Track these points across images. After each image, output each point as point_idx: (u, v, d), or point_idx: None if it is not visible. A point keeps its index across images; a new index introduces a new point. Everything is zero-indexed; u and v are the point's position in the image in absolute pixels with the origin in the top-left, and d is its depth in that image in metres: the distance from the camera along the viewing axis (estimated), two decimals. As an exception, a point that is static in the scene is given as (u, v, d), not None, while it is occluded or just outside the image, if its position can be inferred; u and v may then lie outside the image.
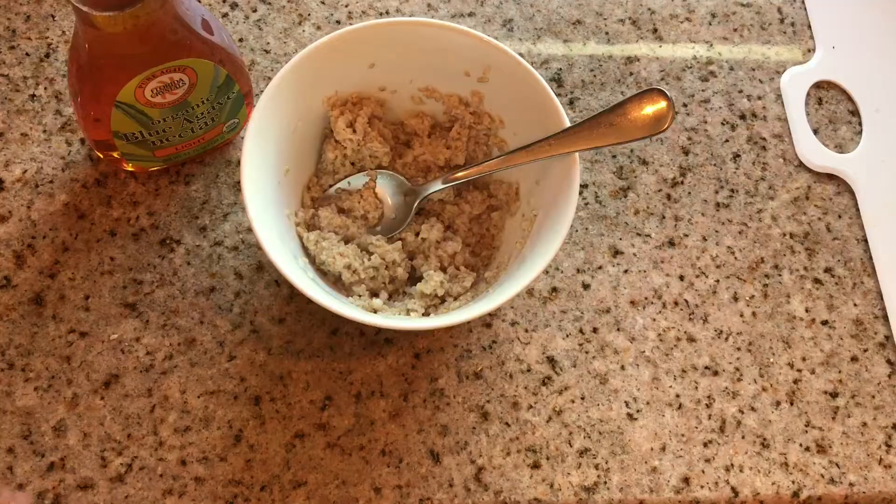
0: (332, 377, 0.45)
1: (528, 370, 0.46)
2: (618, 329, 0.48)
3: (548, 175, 0.44)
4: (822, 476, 0.45)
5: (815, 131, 0.55)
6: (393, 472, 0.43)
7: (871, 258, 0.51)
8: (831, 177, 0.54)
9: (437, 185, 0.46)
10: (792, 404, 0.47)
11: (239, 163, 0.48)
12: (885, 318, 0.50)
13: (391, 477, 0.43)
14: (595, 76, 0.55)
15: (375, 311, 0.43)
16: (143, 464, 0.42)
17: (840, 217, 0.53)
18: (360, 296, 0.44)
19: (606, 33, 0.57)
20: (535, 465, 0.44)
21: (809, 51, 0.58)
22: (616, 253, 0.50)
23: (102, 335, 0.45)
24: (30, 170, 0.48)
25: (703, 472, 0.45)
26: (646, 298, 0.49)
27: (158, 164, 0.47)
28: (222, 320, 0.46)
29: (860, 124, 0.56)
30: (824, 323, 0.49)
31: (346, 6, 0.55)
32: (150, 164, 0.47)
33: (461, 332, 0.47)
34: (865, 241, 0.52)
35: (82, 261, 0.46)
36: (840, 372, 0.48)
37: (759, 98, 0.56)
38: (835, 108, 0.56)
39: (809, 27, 0.59)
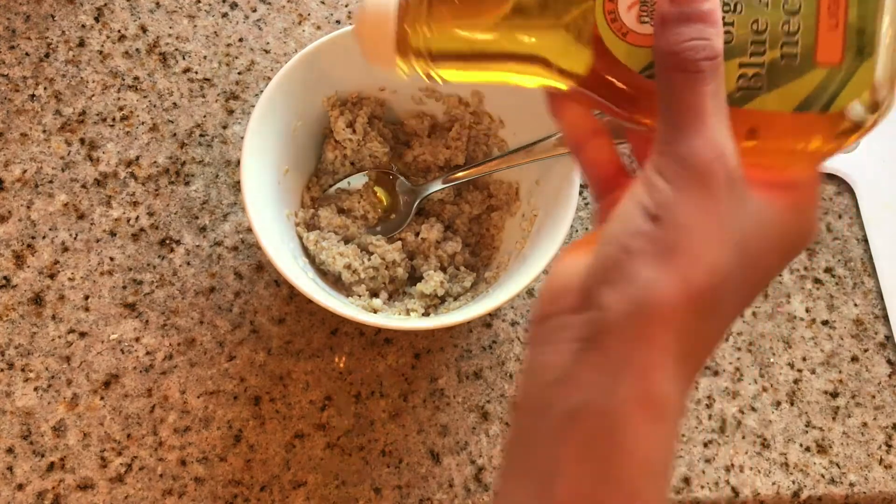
0: (331, 377, 0.45)
1: (528, 370, 0.46)
2: (618, 329, 0.48)
3: (548, 175, 0.44)
4: (823, 476, 0.45)
5: (816, 131, 0.55)
6: (393, 472, 0.43)
7: (871, 258, 0.51)
8: (831, 177, 0.54)
9: (437, 185, 0.46)
10: (792, 404, 0.47)
11: (239, 163, 0.48)
12: (886, 318, 0.50)
13: (391, 477, 0.43)
14: (595, 76, 0.55)
15: (375, 311, 0.43)
16: (142, 464, 0.42)
17: (840, 217, 0.52)
18: (360, 296, 0.44)
19: (606, 33, 0.57)
20: (535, 466, 0.44)
21: (809, 51, 0.58)
22: (616, 253, 0.50)
23: (102, 335, 0.45)
24: (30, 170, 0.48)
25: (703, 472, 0.45)
26: (646, 298, 0.49)
27: None
28: (222, 320, 0.46)
29: (860, 124, 0.56)
30: (824, 323, 0.49)
31: (346, 6, 0.55)
32: None
33: (461, 332, 0.47)
34: (865, 240, 0.52)
35: (82, 261, 0.46)
36: (840, 372, 0.48)
37: (760, 98, 0.56)
38: (835, 107, 0.56)
39: (809, 27, 0.59)
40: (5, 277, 0.46)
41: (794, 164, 0.25)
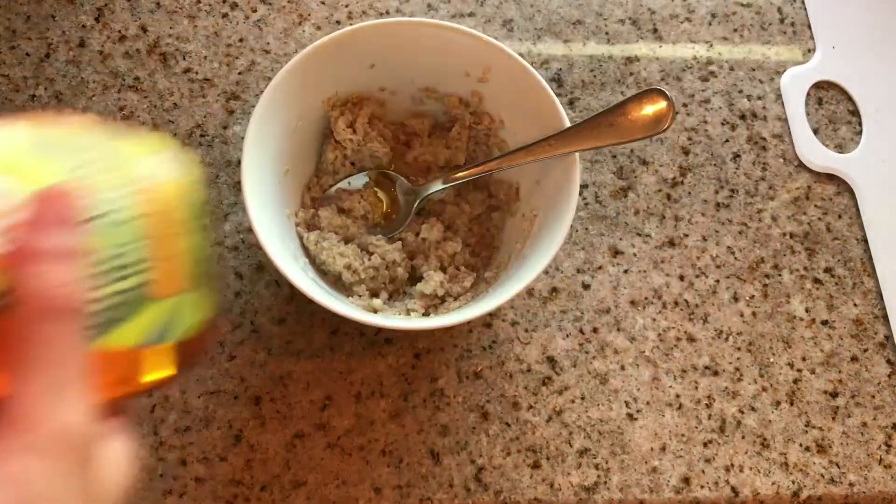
0: (332, 377, 0.45)
1: (528, 370, 0.46)
2: (618, 329, 0.48)
3: (548, 175, 0.44)
4: (822, 476, 0.45)
5: (815, 131, 0.55)
6: (393, 472, 0.43)
7: (871, 258, 0.51)
8: (831, 177, 0.54)
9: (437, 185, 0.46)
10: (792, 404, 0.47)
11: (239, 163, 0.48)
12: (885, 318, 0.50)
13: (391, 477, 0.43)
14: (595, 76, 0.55)
15: (375, 311, 0.43)
16: (142, 464, 0.42)
17: (840, 217, 0.53)
18: (360, 296, 0.44)
19: (606, 33, 0.57)
20: (535, 465, 0.44)
21: (809, 51, 0.58)
22: (616, 253, 0.50)
23: (103, 335, 0.45)
24: (30, 170, 0.48)
25: (703, 472, 0.45)
26: (646, 298, 0.49)
27: None
28: (222, 320, 0.46)
29: (860, 124, 0.56)
30: (824, 323, 0.49)
31: (346, 6, 0.55)
32: None
33: (461, 332, 0.47)
34: (865, 241, 0.52)
35: (82, 261, 0.46)
36: (840, 372, 0.48)
37: (759, 98, 0.56)
38: (835, 108, 0.56)
39: (809, 27, 0.59)
40: (6, 277, 0.46)
41: (133, 395, 0.24)
